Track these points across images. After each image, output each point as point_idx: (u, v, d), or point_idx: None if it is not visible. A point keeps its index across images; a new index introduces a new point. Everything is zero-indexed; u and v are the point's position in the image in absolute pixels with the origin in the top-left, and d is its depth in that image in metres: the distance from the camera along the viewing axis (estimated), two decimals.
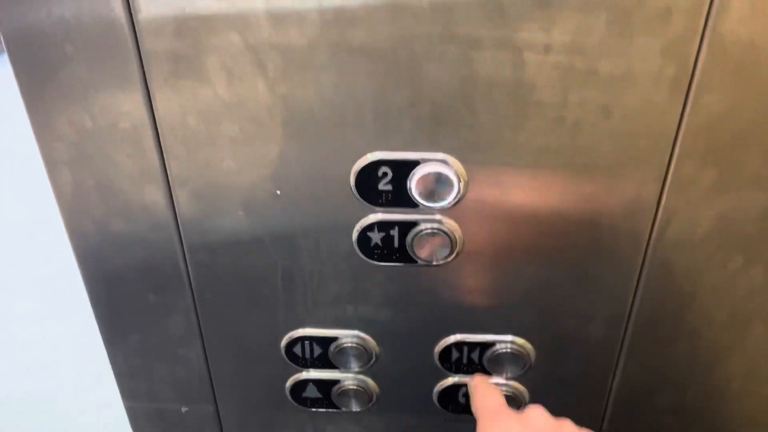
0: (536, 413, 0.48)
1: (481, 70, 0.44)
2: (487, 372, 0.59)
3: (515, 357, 0.58)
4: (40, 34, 0.44)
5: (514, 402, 0.60)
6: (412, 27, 0.42)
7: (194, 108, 0.47)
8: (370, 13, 0.42)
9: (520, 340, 0.57)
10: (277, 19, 0.43)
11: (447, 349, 0.58)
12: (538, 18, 0.42)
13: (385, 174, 0.48)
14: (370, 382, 0.61)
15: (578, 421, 0.60)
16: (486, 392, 0.52)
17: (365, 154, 0.47)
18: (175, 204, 0.52)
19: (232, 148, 0.48)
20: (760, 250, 0.51)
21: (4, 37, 0.46)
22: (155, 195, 0.51)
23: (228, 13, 0.43)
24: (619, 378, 0.59)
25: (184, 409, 0.65)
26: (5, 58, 0.46)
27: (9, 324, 2.23)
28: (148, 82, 0.46)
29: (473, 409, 0.52)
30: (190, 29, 0.43)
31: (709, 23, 0.42)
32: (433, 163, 0.47)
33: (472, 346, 0.58)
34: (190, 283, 0.56)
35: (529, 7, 0.42)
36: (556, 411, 0.61)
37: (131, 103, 0.47)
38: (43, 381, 2.01)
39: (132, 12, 0.43)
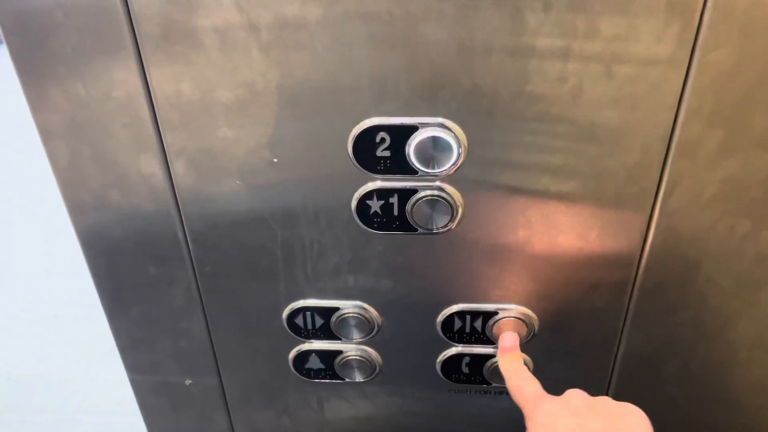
0: (575, 393, 0.48)
1: (479, 31, 0.43)
2: (491, 341, 0.59)
3: (519, 326, 0.57)
4: (30, 7, 0.44)
5: None
6: None
7: (187, 74, 0.46)
8: None
9: (523, 309, 0.57)
10: None
11: (449, 319, 0.58)
12: None
13: (383, 140, 0.47)
14: (372, 352, 0.61)
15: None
16: (520, 382, 0.51)
17: (362, 119, 0.47)
18: (171, 174, 0.51)
19: (227, 115, 0.47)
20: None
21: None
22: (151, 165, 0.51)
23: None
24: (624, 347, 0.58)
25: (188, 382, 0.65)
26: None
27: (21, 304, 2.26)
28: (140, 48, 0.45)
29: (513, 397, 0.52)
30: None
31: None
32: (432, 128, 0.47)
33: (475, 315, 0.57)
34: (190, 255, 0.55)
35: None
36: (561, 380, 0.61)
37: (124, 71, 0.46)
38: (56, 360, 2.04)
39: None
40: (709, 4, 0.41)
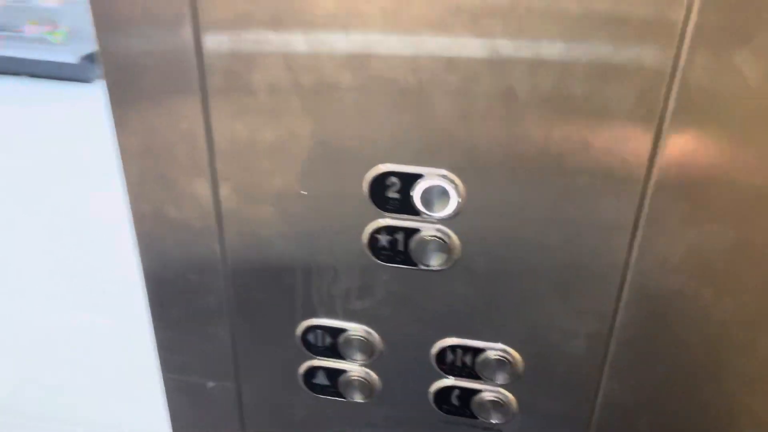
0: None
1: (478, 100, 0.52)
2: (479, 377, 0.65)
3: (504, 364, 0.63)
4: (126, 51, 0.56)
5: (502, 408, 0.66)
6: (421, 61, 0.51)
7: (241, 116, 0.56)
8: (387, 47, 0.51)
9: (509, 349, 0.63)
10: (313, 46, 0.52)
11: (443, 351, 0.65)
12: (528, 61, 0.50)
13: (393, 184, 0.56)
14: (373, 375, 0.68)
15: None
16: None
17: (377, 165, 0.56)
18: (219, 196, 0.61)
19: (268, 151, 0.57)
20: (729, 283, 0.55)
21: (100, 52, 0.57)
22: (203, 188, 0.61)
23: (274, 40, 0.53)
24: (602, 396, 0.64)
25: (210, 384, 0.74)
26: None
27: (55, 323, 2.42)
28: (206, 92, 0.56)
29: None
30: (243, 51, 0.53)
31: (677, 73, 0.48)
32: (435, 177, 0.55)
33: (466, 350, 0.64)
34: (225, 268, 0.65)
35: (519, 51, 0.49)
36: (542, 424, 0.66)
37: (191, 109, 0.57)
38: (78, 374, 2.17)
39: (198, 34, 0.54)
40: (672, 96, 0.49)
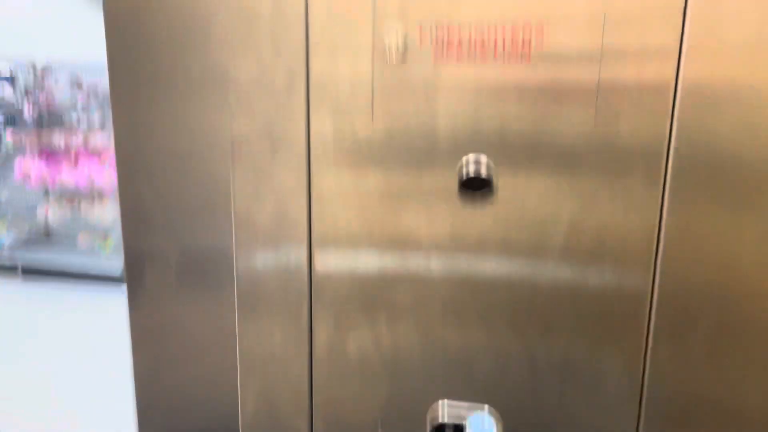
0: None
1: (510, 370, 0.73)
2: None
3: None
4: (250, 279, 0.79)
5: None
6: (467, 306, 0.73)
7: (339, 333, 0.77)
8: (450, 288, 0.73)
9: None
10: (389, 284, 0.75)
11: None
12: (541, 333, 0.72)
13: (449, 418, 0.76)
14: None
15: None
16: None
17: (437, 401, 0.76)
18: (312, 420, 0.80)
19: (355, 377, 0.78)
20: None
21: (236, 270, 0.80)
22: (302, 421, 0.80)
23: (363, 269, 0.76)
24: None
25: None
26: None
27: None
28: (312, 319, 0.78)
29: None
30: (346, 294, 0.76)
31: (654, 300, 0.69)
32: (480, 414, 0.75)
33: None
34: None
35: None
36: None
37: (297, 333, 0.78)
38: None
39: (312, 272, 0.77)
40: (653, 318, 0.70)
